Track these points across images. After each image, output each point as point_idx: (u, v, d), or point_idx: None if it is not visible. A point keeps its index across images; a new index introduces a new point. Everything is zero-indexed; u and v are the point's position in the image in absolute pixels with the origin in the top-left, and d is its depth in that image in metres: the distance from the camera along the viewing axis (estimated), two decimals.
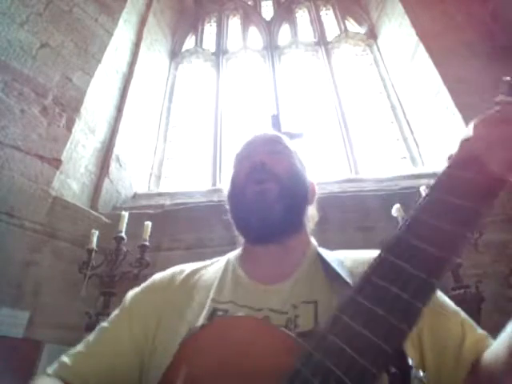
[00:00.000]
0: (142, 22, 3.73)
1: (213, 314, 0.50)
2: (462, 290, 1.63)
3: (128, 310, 0.59)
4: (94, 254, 1.88)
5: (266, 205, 0.57)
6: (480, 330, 0.48)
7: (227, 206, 0.67)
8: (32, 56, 2.43)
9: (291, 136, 2.85)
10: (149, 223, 2.02)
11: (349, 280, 0.46)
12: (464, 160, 0.32)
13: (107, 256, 1.93)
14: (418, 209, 0.34)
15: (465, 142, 0.32)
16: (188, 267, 0.64)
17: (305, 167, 0.68)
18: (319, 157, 3.19)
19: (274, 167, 0.61)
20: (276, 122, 2.61)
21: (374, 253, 0.54)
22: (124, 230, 1.97)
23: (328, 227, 2.18)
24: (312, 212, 0.67)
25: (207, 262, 0.66)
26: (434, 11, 3.26)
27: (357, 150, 3.20)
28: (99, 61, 2.84)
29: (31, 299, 1.87)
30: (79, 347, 0.56)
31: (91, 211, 2.38)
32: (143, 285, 0.63)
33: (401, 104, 3.45)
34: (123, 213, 2.05)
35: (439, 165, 2.86)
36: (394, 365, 0.27)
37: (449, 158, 0.34)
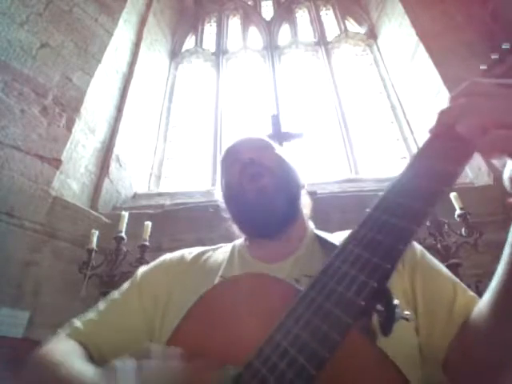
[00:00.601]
0: (142, 22, 3.73)
1: None
2: None
3: (139, 285, 0.61)
4: (93, 253, 1.88)
5: (268, 201, 0.59)
6: (471, 293, 0.51)
7: (225, 208, 0.69)
8: (32, 56, 2.43)
9: (291, 136, 2.84)
10: (149, 223, 2.03)
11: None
12: (441, 128, 0.36)
13: (107, 256, 1.93)
14: (401, 173, 0.39)
15: (441, 113, 0.36)
16: (196, 249, 0.68)
17: (289, 157, 0.70)
18: (319, 157, 3.19)
19: (263, 161, 0.63)
20: (276, 122, 2.61)
21: None
22: (124, 229, 1.97)
23: (328, 227, 2.18)
24: (305, 197, 0.69)
25: (213, 246, 0.69)
26: (433, 11, 3.26)
27: (357, 150, 3.20)
28: (99, 61, 2.84)
29: (31, 299, 1.87)
30: (91, 315, 0.58)
31: (91, 211, 2.38)
32: (153, 263, 0.66)
33: (401, 104, 3.45)
34: (123, 213, 2.05)
35: None
36: (381, 303, 0.30)
37: (429, 131, 0.38)
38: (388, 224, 0.33)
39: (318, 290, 0.32)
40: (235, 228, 0.68)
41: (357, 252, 0.33)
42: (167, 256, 0.67)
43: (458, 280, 0.54)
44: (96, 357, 0.52)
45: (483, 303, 0.43)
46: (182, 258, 0.65)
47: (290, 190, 0.63)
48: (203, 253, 0.66)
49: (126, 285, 0.63)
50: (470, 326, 0.45)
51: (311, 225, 0.68)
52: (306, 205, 0.69)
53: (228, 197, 0.67)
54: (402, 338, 0.41)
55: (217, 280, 0.56)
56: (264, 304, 0.40)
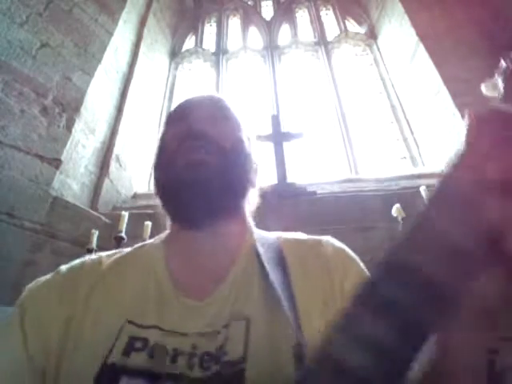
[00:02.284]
0: (142, 22, 3.73)
1: (130, 344, 0.38)
2: None
3: (21, 323, 0.42)
4: (93, 253, 1.88)
5: (202, 178, 0.46)
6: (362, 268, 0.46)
7: (153, 175, 0.55)
8: (32, 56, 2.43)
9: (291, 136, 2.85)
10: (149, 223, 2.02)
11: (281, 290, 0.41)
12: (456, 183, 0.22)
13: None
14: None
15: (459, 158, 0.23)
16: (104, 259, 0.51)
17: (252, 144, 0.56)
18: (319, 157, 3.19)
19: (217, 136, 0.49)
20: (276, 121, 2.62)
21: (316, 240, 0.50)
22: (124, 229, 1.97)
23: (328, 227, 2.18)
24: (253, 197, 0.57)
25: (127, 250, 0.53)
26: (434, 11, 3.26)
27: (357, 150, 3.20)
28: (99, 61, 2.84)
29: None
30: None
31: (91, 211, 2.38)
32: (44, 280, 0.47)
33: (401, 104, 3.45)
34: (123, 213, 2.05)
35: (439, 165, 2.86)
36: None
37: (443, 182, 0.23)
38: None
39: None
40: (161, 207, 0.54)
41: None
42: (62, 271, 0.48)
43: (348, 252, 0.49)
44: None
45: None
46: (81, 275, 0.47)
47: (234, 178, 0.49)
48: (111, 268, 0.49)
49: (6, 321, 0.44)
50: None
51: (252, 227, 0.54)
52: (251, 203, 0.56)
53: (156, 160, 0.53)
54: None
55: (124, 327, 0.40)
56: None
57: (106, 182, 2.70)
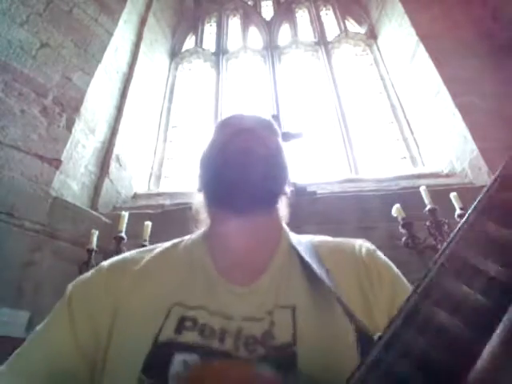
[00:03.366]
0: (142, 22, 3.73)
1: (181, 323, 0.41)
2: None
3: (70, 309, 0.45)
4: (93, 253, 1.88)
5: (251, 161, 0.49)
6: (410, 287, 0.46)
7: (198, 175, 0.59)
8: (32, 56, 2.43)
9: (291, 136, 2.84)
10: (149, 223, 2.02)
11: (328, 281, 0.42)
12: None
13: (107, 256, 1.93)
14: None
15: None
16: (142, 253, 0.53)
17: (288, 156, 0.60)
18: (319, 157, 3.19)
19: (264, 136, 0.54)
20: (276, 121, 2.62)
21: (350, 244, 0.52)
22: (124, 229, 1.97)
23: (328, 227, 2.18)
24: (285, 203, 0.59)
25: (167, 244, 0.56)
26: (433, 11, 3.26)
27: (357, 150, 3.20)
28: (99, 61, 2.84)
29: (31, 299, 1.87)
30: (4, 367, 0.42)
31: (91, 211, 2.38)
32: (87, 277, 0.50)
33: (401, 104, 3.45)
34: (123, 213, 2.05)
35: (439, 165, 2.86)
36: None
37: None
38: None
39: None
40: (204, 196, 0.57)
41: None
42: (104, 266, 0.51)
43: (397, 272, 0.50)
44: None
45: None
46: (124, 269, 0.49)
47: (276, 173, 0.53)
48: (153, 259, 0.51)
49: (54, 314, 0.48)
50: None
51: (287, 228, 0.56)
52: (284, 209, 0.59)
53: (206, 154, 0.57)
54: None
55: (172, 309, 0.42)
56: None
57: (106, 181, 2.70)
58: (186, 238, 0.57)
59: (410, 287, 0.47)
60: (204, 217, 0.58)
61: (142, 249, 0.56)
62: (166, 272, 0.49)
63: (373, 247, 0.53)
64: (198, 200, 0.59)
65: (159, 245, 0.56)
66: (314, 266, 0.45)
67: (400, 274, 0.49)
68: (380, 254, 0.52)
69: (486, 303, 0.21)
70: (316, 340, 0.39)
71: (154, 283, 0.47)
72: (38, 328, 0.47)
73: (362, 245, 0.52)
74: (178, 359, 0.37)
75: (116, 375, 0.39)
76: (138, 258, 0.52)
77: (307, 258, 0.47)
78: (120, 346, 0.41)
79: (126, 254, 0.54)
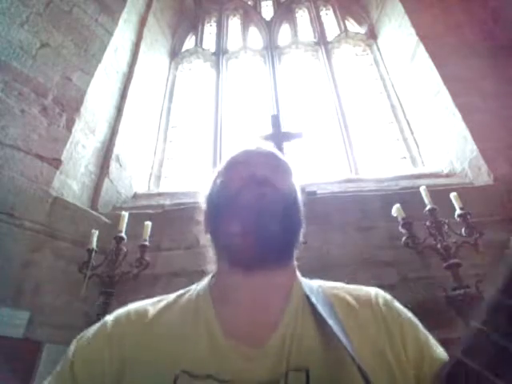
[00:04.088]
0: (142, 22, 3.73)
1: None
2: (461, 290, 1.63)
3: (73, 372, 0.44)
4: (94, 253, 1.88)
5: (268, 209, 0.47)
6: (439, 349, 0.45)
7: (204, 212, 0.56)
8: (32, 56, 2.43)
9: (291, 136, 2.84)
10: (149, 223, 2.03)
11: (343, 338, 0.41)
12: None
13: (107, 256, 1.93)
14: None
15: None
16: (148, 307, 0.50)
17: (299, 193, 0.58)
18: (319, 157, 3.19)
19: (278, 184, 0.51)
20: (276, 121, 2.61)
21: (366, 293, 0.50)
22: (124, 230, 1.97)
23: (328, 227, 2.18)
24: (298, 248, 0.56)
25: (170, 298, 0.52)
26: (434, 11, 3.26)
27: (357, 150, 3.20)
28: (99, 61, 2.84)
29: (31, 299, 1.87)
30: None
31: (91, 211, 2.38)
32: (91, 333, 0.48)
33: (401, 104, 3.45)
34: (123, 213, 2.05)
35: (439, 165, 2.86)
36: None
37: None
38: None
39: None
40: (212, 244, 0.54)
41: None
42: (108, 322, 0.48)
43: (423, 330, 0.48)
44: None
45: None
46: (128, 325, 0.47)
47: (292, 222, 0.51)
48: (158, 315, 0.49)
49: (57, 374, 0.45)
50: None
51: (300, 277, 0.53)
52: (296, 257, 0.55)
53: (216, 193, 0.54)
54: None
55: (179, 376, 0.40)
56: None
57: (106, 181, 2.70)
58: (193, 287, 0.54)
59: (429, 336, 0.47)
60: (211, 257, 0.55)
61: (145, 301, 0.52)
62: (171, 332, 0.46)
63: (389, 297, 0.51)
64: (206, 240, 0.56)
65: (164, 297, 0.53)
66: (329, 320, 0.43)
67: (418, 322, 0.48)
68: (397, 304, 0.50)
69: None
70: None
71: (159, 344, 0.45)
72: None
73: (378, 295, 0.50)
74: None
75: None
76: (142, 311, 0.49)
77: (320, 308, 0.45)
78: None
79: (130, 308, 0.51)
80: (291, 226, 0.50)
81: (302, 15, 4.69)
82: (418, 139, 3.17)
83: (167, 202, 2.68)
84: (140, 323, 0.47)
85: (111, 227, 2.13)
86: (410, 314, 0.49)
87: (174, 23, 4.50)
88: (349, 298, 0.49)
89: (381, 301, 0.49)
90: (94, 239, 1.93)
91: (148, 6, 3.87)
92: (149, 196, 2.96)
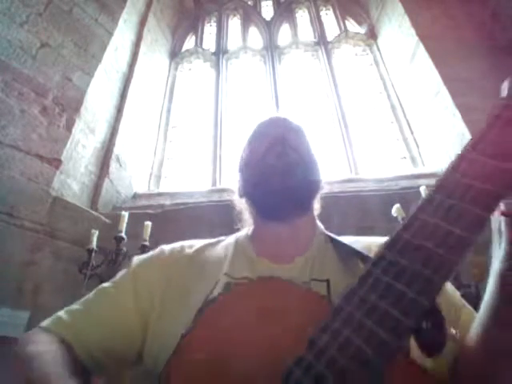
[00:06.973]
0: (142, 22, 3.73)
1: (228, 285, 0.49)
2: (461, 290, 1.64)
3: (134, 277, 0.56)
4: (93, 253, 1.88)
5: (289, 168, 0.56)
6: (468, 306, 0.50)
7: (239, 180, 0.66)
8: (32, 56, 2.43)
9: None
10: (149, 223, 2.03)
11: (363, 251, 0.48)
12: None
13: (107, 256, 1.94)
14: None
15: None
16: (196, 243, 0.63)
17: (316, 151, 0.68)
18: (319, 157, 3.19)
19: (296, 145, 0.60)
20: None
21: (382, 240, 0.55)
22: (124, 229, 1.97)
23: (328, 227, 2.18)
24: (319, 199, 0.69)
25: (213, 240, 0.64)
26: (434, 11, 3.26)
27: (357, 150, 3.20)
28: (99, 61, 2.84)
29: (31, 299, 1.87)
30: (78, 306, 0.53)
31: (91, 211, 2.38)
32: (150, 255, 0.61)
33: (401, 104, 3.45)
34: (123, 213, 2.05)
35: (439, 165, 2.86)
36: (429, 320, 0.27)
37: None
38: (441, 229, 0.29)
39: (356, 305, 0.28)
40: (247, 203, 0.64)
41: (403, 263, 0.28)
42: (165, 249, 0.61)
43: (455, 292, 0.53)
44: (83, 356, 0.47)
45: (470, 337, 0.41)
46: (181, 251, 0.60)
47: (311, 177, 0.60)
48: (204, 247, 0.61)
49: (119, 277, 0.57)
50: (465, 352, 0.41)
51: (321, 226, 0.65)
52: (317, 207, 0.67)
53: (245, 164, 0.63)
54: (443, 360, 0.38)
55: (221, 278, 0.51)
56: (284, 311, 0.38)
57: (106, 181, 2.70)
58: (234, 234, 0.66)
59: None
60: (247, 217, 0.66)
61: (191, 240, 0.64)
62: (215, 254, 0.58)
63: None
64: (240, 204, 0.67)
65: (206, 240, 0.65)
66: (348, 243, 0.52)
67: None
68: None
69: None
70: None
71: (205, 262, 0.56)
72: (104, 285, 0.57)
73: None
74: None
75: (169, 326, 0.46)
76: (191, 244, 0.62)
77: (339, 238, 0.55)
78: (174, 302, 0.50)
79: (183, 242, 0.64)
80: (309, 179, 0.60)
81: (302, 15, 4.69)
82: (418, 139, 3.17)
83: (167, 201, 2.68)
84: (190, 250, 0.60)
85: (111, 227, 2.13)
86: None
87: (174, 23, 4.50)
88: (369, 243, 0.56)
89: None
90: (94, 239, 1.93)
91: (148, 6, 3.87)
92: (149, 196, 2.96)
